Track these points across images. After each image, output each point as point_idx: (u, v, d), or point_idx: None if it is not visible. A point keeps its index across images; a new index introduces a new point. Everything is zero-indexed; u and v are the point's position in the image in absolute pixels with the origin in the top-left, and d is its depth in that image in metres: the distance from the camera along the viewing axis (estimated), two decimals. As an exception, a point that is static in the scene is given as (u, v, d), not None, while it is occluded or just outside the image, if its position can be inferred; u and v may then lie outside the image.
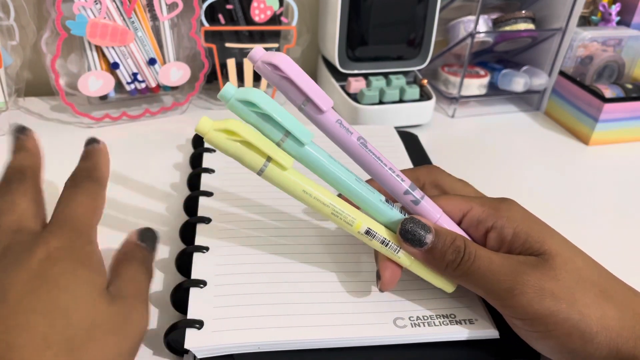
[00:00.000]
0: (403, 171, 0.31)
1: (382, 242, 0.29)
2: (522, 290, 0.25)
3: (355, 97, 0.55)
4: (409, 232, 0.28)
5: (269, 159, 0.27)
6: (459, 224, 0.31)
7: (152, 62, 0.53)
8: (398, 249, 0.29)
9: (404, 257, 0.29)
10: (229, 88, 0.26)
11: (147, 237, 0.29)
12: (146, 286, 0.27)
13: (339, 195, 0.31)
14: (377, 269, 0.30)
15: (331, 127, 0.28)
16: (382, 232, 0.29)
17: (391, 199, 0.30)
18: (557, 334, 0.25)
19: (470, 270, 0.27)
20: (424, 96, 0.57)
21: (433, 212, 0.30)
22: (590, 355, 0.25)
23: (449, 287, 0.31)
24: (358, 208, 0.30)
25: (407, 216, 0.29)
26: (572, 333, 0.25)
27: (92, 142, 0.30)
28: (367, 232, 0.29)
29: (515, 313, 0.26)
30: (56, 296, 0.22)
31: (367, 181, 0.31)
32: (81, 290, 0.23)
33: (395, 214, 0.30)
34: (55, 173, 0.33)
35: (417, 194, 0.30)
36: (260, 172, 0.27)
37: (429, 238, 0.28)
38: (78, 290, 0.23)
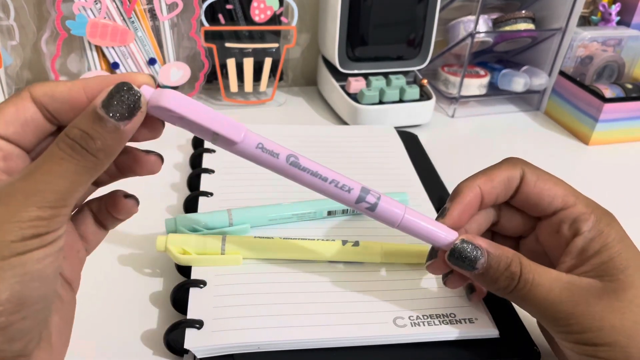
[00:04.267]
0: (486, 170, 0.29)
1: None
2: (579, 321, 0.24)
3: (355, 97, 0.55)
4: (458, 257, 0.26)
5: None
6: (554, 213, 0.28)
7: (152, 62, 0.53)
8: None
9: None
10: (169, 222, 0.35)
11: (115, 102, 0.19)
12: (49, 181, 0.19)
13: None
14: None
15: (253, 154, 0.24)
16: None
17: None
18: None
19: (525, 296, 0.26)
20: (424, 96, 0.57)
21: (396, 212, 0.27)
22: None
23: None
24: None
25: (459, 237, 0.27)
26: None
27: None
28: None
29: (567, 338, 0.25)
30: None
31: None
32: None
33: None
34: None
35: (371, 198, 0.26)
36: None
37: (481, 263, 0.26)
38: None
